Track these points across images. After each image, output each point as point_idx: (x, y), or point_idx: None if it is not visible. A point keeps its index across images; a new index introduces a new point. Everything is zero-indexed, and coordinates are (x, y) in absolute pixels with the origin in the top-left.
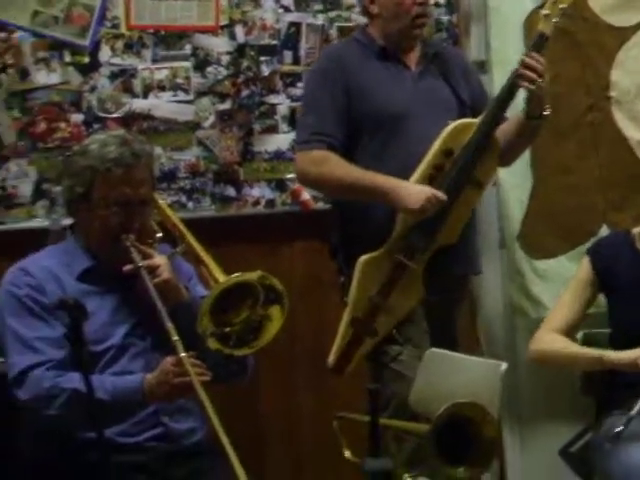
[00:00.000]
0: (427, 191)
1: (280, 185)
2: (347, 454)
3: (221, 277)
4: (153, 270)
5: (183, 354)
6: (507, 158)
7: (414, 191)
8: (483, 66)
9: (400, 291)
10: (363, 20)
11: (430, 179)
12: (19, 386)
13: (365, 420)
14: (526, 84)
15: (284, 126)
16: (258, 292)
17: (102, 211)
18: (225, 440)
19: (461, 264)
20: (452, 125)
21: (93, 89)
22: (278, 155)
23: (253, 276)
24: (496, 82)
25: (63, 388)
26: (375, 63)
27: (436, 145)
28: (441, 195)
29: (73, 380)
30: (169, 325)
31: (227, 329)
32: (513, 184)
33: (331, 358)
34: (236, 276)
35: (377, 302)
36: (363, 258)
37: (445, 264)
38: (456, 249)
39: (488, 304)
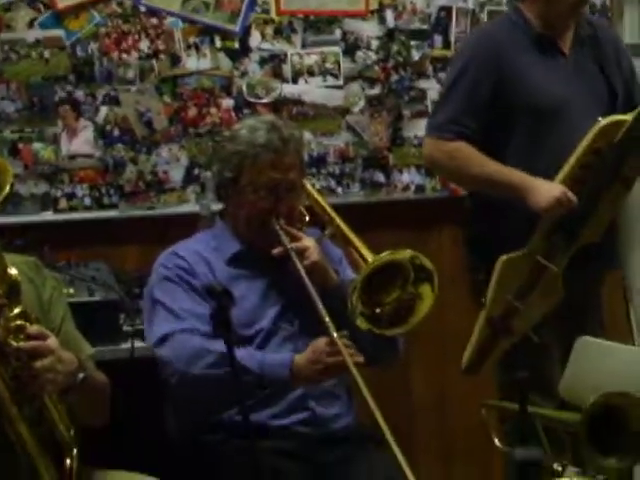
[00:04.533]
0: (558, 191)
1: (430, 171)
2: (497, 443)
3: (370, 257)
4: (302, 252)
5: (335, 334)
6: None
7: (544, 190)
8: (638, 50)
9: (539, 292)
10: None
11: (576, 179)
12: (161, 345)
13: (512, 408)
14: None
15: None
16: (408, 271)
17: (251, 196)
18: (382, 421)
19: (600, 260)
20: (603, 123)
21: (243, 74)
22: None
23: (405, 255)
24: None
25: (211, 350)
26: (530, 49)
27: (584, 144)
28: (571, 195)
29: (222, 345)
30: (320, 306)
31: (377, 309)
32: None
33: (465, 359)
34: (387, 254)
35: (515, 303)
36: (504, 258)
37: (582, 261)
38: (595, 246)
39: None
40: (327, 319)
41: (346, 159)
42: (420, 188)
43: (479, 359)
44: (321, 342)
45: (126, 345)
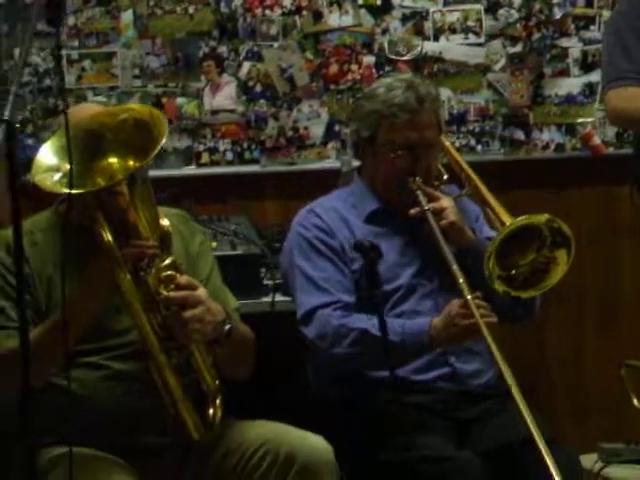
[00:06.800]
0: None
1: (570, 129)
2: (636, 402)
3: (507, 219)
4: (439, 213)
5: (469, 296)
6: None
7: None
8: None
9: None
10: None
11: None
12: (306, 324)
13: None
14: None
15: (575, 70)
16: (545, 235)
17: (388, 155)
18: (512, 382)
19: None
20: None
21: (385, 31)
22: (569, 99)
23: (541, 219)
24: None
25: (351, 328)
26: None
27: None
28: None
29: (361, 320)
30: (455, 268)
31: (513, 271)
32: None
33: None
34: (523, 218)
35: None
36: None
37: None
38: None
39: None
40: (461, 281)
41: (486, 117)
42: (560, 147)
43: None
44: (455, 305)
45: (267, 298)
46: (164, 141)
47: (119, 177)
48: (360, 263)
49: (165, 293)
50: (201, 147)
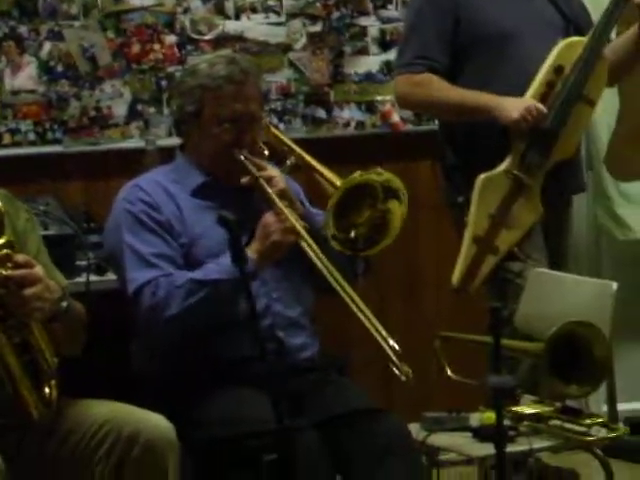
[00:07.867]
0: (527, 101)
1: (370, 107)
2: (449, 373)
3: (339, 181)
4: (269, 181)
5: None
6: (615, 76)
7: (515, 102)
8: None
9: (519, 208)
10: None
11: (542, 97)
12: (137, 301)
13: (468, 338)
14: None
15: (374, 48)
16: (377, 191)
17: (214, 128)
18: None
19: (571, 181)
20: (563, 42)
21: (186, 11)
22: (368, 77)
23: (374, 175)
24: None
25: (179, 284)
26: None
27: (547, 62)
28: (541, 106)
29: (185, 274)
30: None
31: (352, 233)
32: (601, 108)
33: (455, 278)
34: (359, 175)
35: (497, 219)
36: (482, 176)
37: (557, 181)
38: (567, 167)
39: (574, 225)
40: (274, 197)
41: (288, 95)
42: (361, 124)
43: (468, 278)
44: (267, 216)
45: (80, 279)
46: None
47: None
48: (187, 238)
49: (3, 272)
50: (2, 128)
